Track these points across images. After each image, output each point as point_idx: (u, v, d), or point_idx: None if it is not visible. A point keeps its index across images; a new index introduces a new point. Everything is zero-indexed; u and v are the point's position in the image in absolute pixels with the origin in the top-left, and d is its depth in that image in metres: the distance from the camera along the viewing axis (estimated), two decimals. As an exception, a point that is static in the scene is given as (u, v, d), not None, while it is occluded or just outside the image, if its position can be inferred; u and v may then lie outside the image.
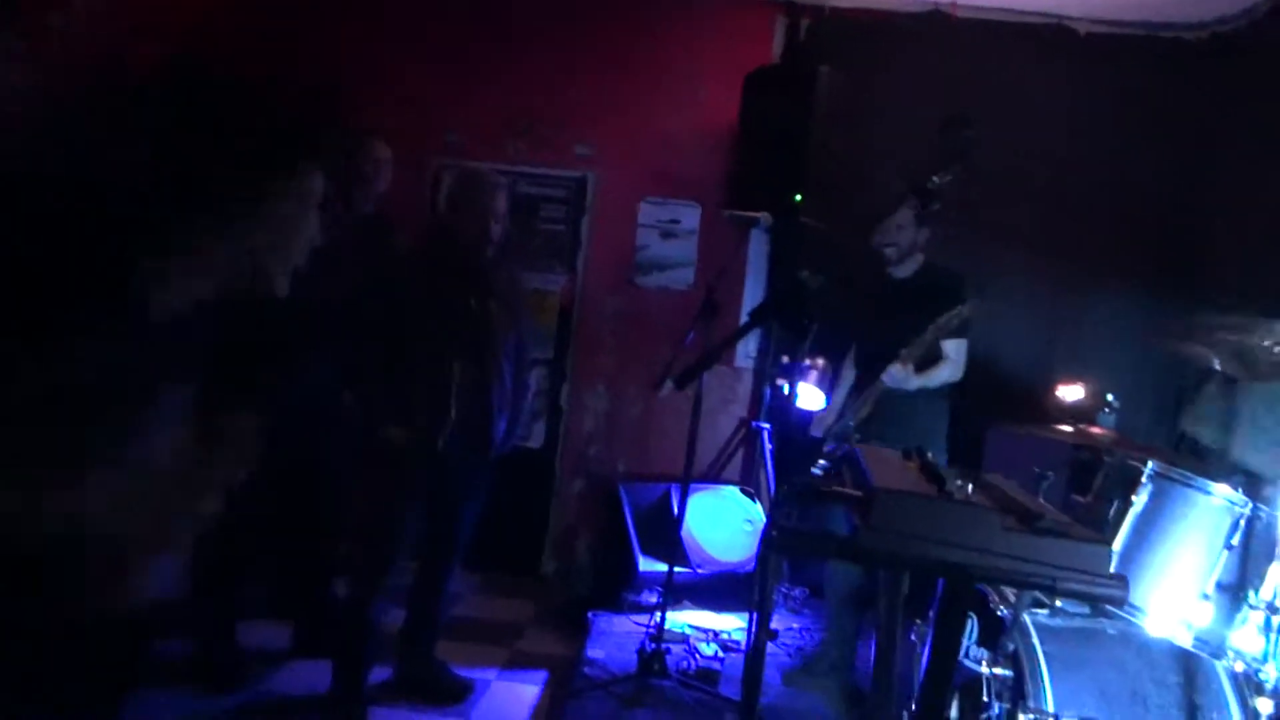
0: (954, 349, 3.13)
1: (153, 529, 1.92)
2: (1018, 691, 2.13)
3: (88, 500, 1.88)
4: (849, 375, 3.41)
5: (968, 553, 1.29)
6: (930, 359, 3.08)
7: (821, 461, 3.07)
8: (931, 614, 1.85)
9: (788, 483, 1.50)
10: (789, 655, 3.56)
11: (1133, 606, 2.20)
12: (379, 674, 3.07)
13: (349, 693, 2.90)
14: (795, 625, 3.82)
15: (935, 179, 1.57)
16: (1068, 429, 2.87)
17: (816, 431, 3.39)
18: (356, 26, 4.58)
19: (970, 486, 1.44)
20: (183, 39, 3.97)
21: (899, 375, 3.01)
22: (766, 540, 1.54)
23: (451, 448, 2.85)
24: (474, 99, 4.58)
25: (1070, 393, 3.67)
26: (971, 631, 2.43)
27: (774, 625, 3.71)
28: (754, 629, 2.76)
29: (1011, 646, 2.19)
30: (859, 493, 1.43)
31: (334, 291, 2.65)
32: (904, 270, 3.21)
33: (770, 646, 3.52)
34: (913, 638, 2.35)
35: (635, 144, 4.58)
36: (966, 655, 2.45)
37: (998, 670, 2.17)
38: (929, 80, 4.19)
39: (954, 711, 2.47)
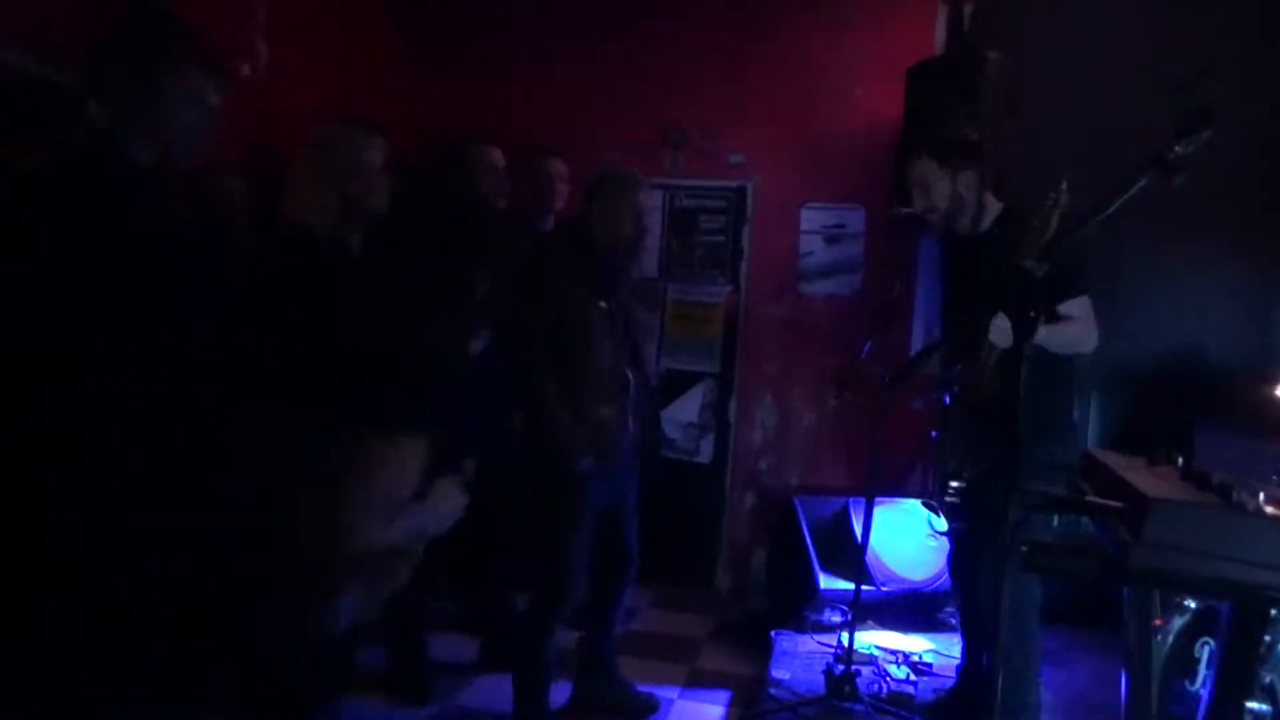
0: (1077, 307, 2.60)
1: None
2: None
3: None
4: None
5: (1266, 572, 1.13)
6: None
7: (954, 484, 2.80)
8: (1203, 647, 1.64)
9: (1022, 492, 1.35)
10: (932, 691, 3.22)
11: None
12: (562, 691, 3.09)
13: (531, 711, 2.93)
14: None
15: (1177, 148, 1.38)
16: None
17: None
18: (493, 45, 4.72)
19: (1261, 496, 1.27)
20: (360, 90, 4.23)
21: (1006, 330, 2.36)
22: (1006, 557, 1.40)
23: (620, 462, 2.85)
24: (625, 115, 4.61)
25: (1294, 388, 3.28)
26: (1211, 659, 2.19)
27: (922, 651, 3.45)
28: (984, 658, 2.56)
29: (1268, 678, 1.94)
30: (1120, 504, 1.27)
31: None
32: (978, 225, 2.80)
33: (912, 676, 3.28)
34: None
35: (793, 148, 4.48)
36: (1205, 685, 2.21)
37: (1251, 705, 1.93)
38: (1112, 49, 3.87)
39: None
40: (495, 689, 3.20)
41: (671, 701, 3.29)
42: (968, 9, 4.29)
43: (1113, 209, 1.44)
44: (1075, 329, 2.59)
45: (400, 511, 1.91)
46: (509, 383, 2.96)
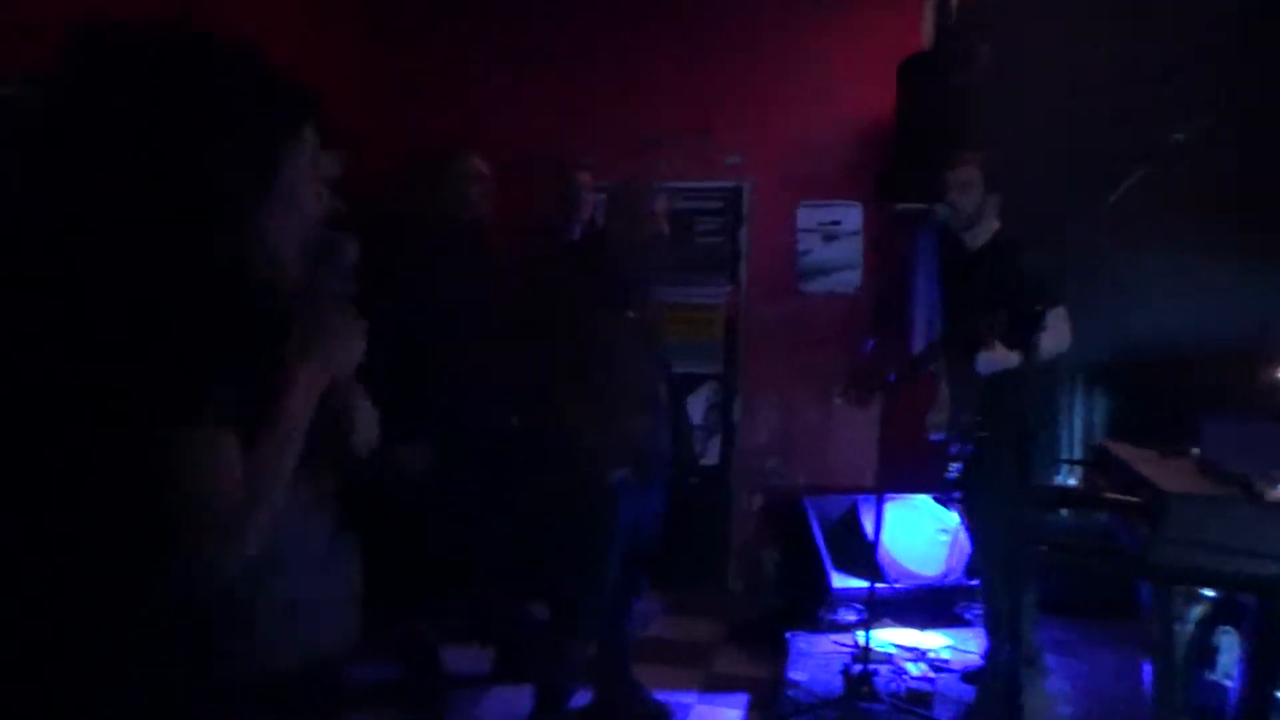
0: (1052, 316, 2.63)
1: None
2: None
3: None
4: (941, 365, 3.16)
5: None
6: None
7: (953, 465, 2.87)
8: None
9: (1035, 490, 1.34)
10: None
11: None
12: (580, 699, 3.08)
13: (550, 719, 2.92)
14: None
15: (1179, 135, 1.38)
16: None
17: (935, 435, 3.17)
18: (487, 60, 4.70)
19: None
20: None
21: (993, 360, 2.67)
22: (1023, 553, 1.39)
23: (640, 473, 2.83)
24: (619, 118, 4.59)
25: (1299, 376, 3.27)
26: (1231, 648, 2.19)
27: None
28: (1004, 657, 2.56)
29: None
30: (1135, 498, 1.26)
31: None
32: (975, 239, 2.93)
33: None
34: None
35: (786, 147, 4.48)
36: (1227, 675, 2.21)
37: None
38: (1103, 39, 3.86)
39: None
40: (511, 698, 3.18)
41: (689, 707, 3.28)
42: (954, 2, 4.28)
43: (1115, 196, 1.44)
44: (1056, 335, 2.71)
45: None
46: (523, 392, 2.95)
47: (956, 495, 3.14)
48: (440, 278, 3.00)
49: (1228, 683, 2.18)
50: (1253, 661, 1.35)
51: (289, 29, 3.67)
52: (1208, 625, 2.26)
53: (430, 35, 4.73)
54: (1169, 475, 1.33)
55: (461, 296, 2.99)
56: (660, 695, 3.21)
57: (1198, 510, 1.17)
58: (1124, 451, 1.50)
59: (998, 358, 2.67)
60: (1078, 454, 3.92)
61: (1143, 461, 1.40)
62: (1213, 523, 1.16)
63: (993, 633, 3.00)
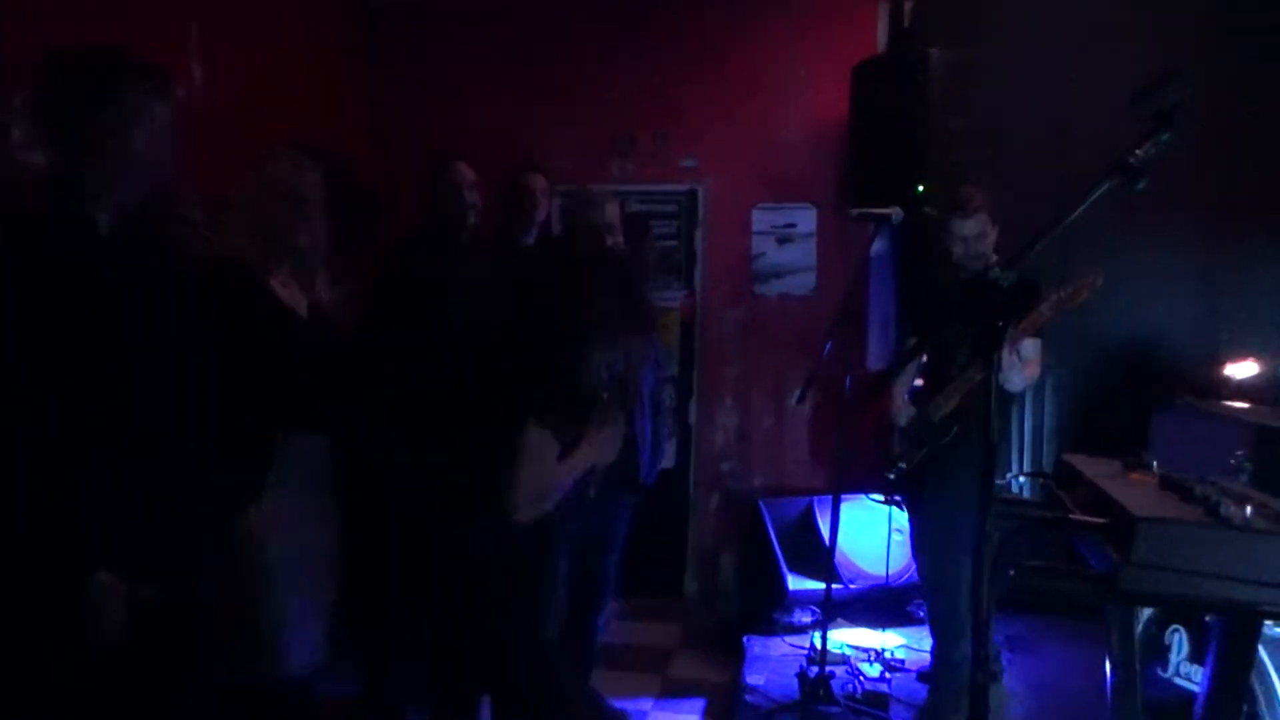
0: (1030, 349, 2.76)
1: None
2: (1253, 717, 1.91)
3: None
4: (911, 370, 3.19)
5: (1258, 589, 1.12)
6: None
7: (899, 464, 2.89)
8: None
9: (997, 506, 1.33)
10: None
11: None
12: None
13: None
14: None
15: (1138, 152, 1.38)
16: (1247, 408, 2.62)
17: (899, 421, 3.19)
18: (442, 61, 4.64)
19: (1248, 510, 1.26)
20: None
21: (1017, 376, 2.67)
22: (991, 573, 1.38)
23: (602, 489, 2.79)
24: (574, 121, 4.56)
25: (1241, 370, 3.35)
26: (1180, 646, 2.22)
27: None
28: (962, 656, 2.57)
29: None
30: (1104, 520, 1.26)
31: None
32: (976, 264, 2.89)
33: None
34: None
35: (742, 150, 4.48)
36: (1176, 673, 2.24)
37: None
38: (1054, 45, 3.92)
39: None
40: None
41: (645, 714, 3.25)
42: (908, 6, 4.32)
43: (1076, 214, 1.44)
44: (1031, 370, 2.76)
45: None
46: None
47: (897, 496, 3.16)
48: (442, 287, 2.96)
49: (1179, 681, 2.22)
50: (1216, 683, 1.36)
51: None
52: (1158, 624, 2.30)
53: (386, 38, 4.65)
54: (1134, 495, 1.33)
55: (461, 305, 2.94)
56: (617, 702, 3.19)
57: (1166, 535, 1.17)
58: (1086, 466, 1.49)
59: (1025, 374, 2.69)
60: (1029, 457, 3.97)
61: (1106, 479, 1.39)
62: (1181, 548, 1.16)
63: (941, 635, 3.00)
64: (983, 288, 2.77)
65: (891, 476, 2.94)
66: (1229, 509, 1.26)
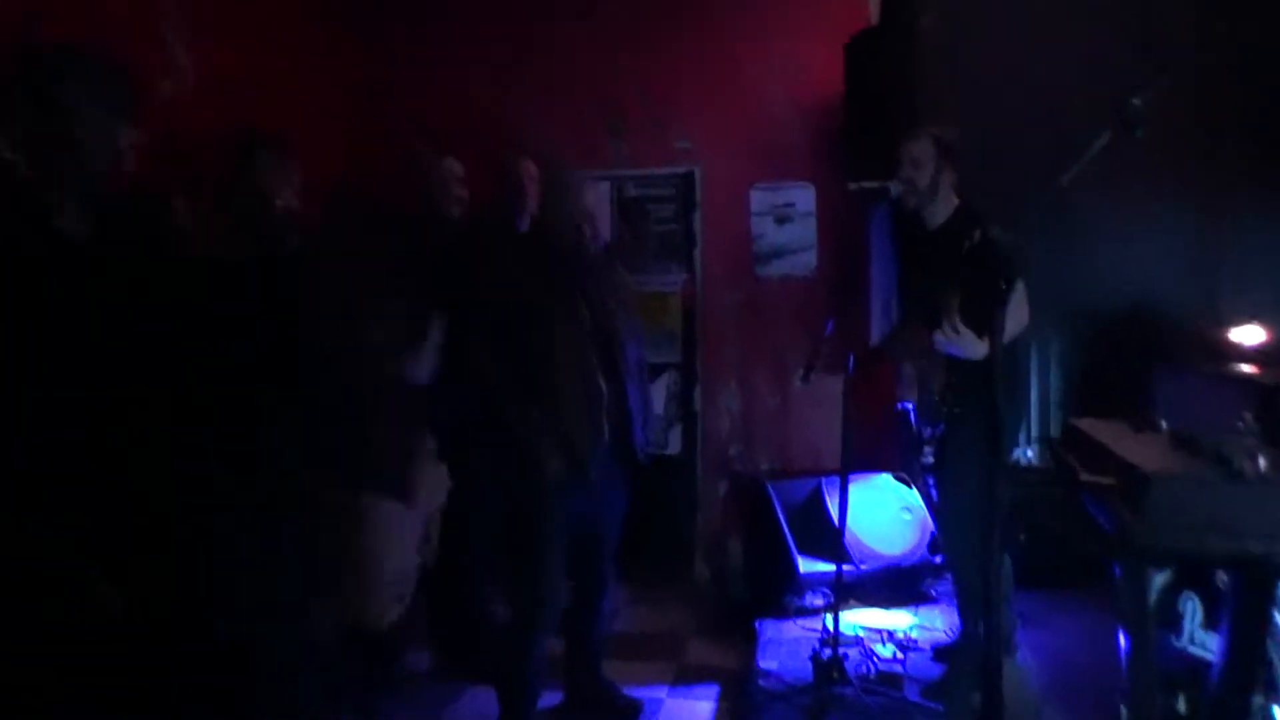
0: (1015, 294, 2.70)
1: None
2: (1270, 684, 1.87)
3: None
4: (904, 347, 3.15)
5: (1272, 541, 1.08)
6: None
7: (927, 449, 2.86)
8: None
9: (1006, 471, 1.31)
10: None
11: None
12: (549, 699, 3.02)
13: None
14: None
15: (1136, 100, 1.35)
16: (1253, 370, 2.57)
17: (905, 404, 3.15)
18: (434, 50, 4.59)
19: (1261, 462, 1.22)
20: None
21: (959, 342, 2.55)
22: (1000, 537, 1.33)
23: (599, 467, 2.78)
24: (567, 106, 4.50)
25: (1248, 334, 3.29)
26: (1194, 614, 2.19)
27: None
28: (980, 633, 2.52)
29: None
30: (1116, 479, 1.22)
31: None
32: (934, 217, 2.86)
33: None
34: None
35: (737, 130, 4.43)
36: (1191, 641, 2.21)
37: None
38: (1047, 11, 3.85)
39: (1181, 705, 2.23)
40: (479, 700, 3.12)
41: (660, 701, 3.24)
42: (900, -24, 4.25)
43: (1078, 168, 1.40)
44: (1016, 315, 2.63)
45: None
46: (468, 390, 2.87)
47: (930, 477, 3.11)
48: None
49: (1193, 649, 2.18)
50: (1233, 640, 1.32)
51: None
52: (1171, 591, 2.26)
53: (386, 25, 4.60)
54: (1144, 453, 1.30)
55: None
56: (631, 691, 3.17)
57: (1179, 490, 1.13)
58: (1095, 430, 1.46)
59: (960, 340, 2.56)
60: (1036, 425, 3.93)
61: (1116, 440, 1.36)
62: (1194, 502, 1.12)
63: (965, 612, 2.98)
64: (948, 247, 2.74)
65: (927, 462, 2.87)
66: (1242, 462, 1.22)
